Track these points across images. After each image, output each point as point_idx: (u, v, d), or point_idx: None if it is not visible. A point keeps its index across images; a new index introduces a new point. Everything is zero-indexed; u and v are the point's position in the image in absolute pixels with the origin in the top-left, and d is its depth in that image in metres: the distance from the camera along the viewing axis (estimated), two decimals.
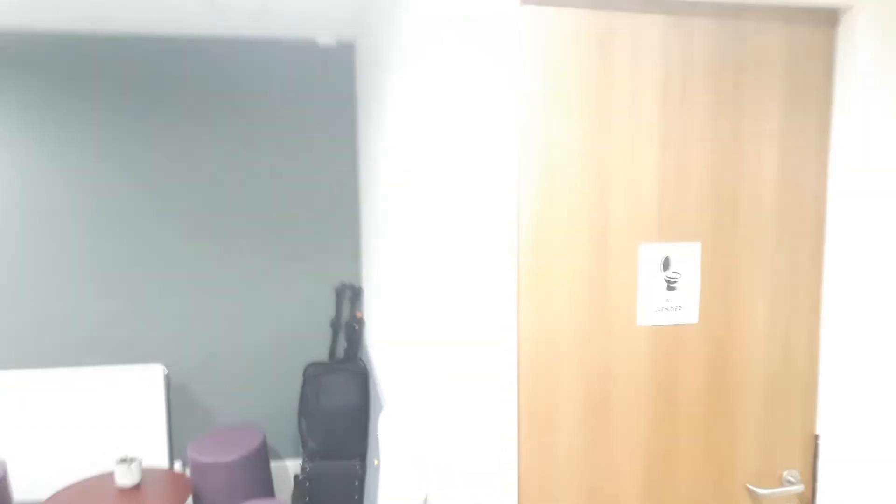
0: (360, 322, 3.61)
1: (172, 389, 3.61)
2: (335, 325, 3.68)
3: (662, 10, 1.37)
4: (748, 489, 1.52)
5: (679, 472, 1.49)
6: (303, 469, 3.17)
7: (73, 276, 3.45)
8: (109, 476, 3.16)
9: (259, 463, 3.30)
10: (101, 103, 3.36)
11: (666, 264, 1.46)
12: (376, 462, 2.58)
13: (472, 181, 1.30)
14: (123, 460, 3.03)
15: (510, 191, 1.32)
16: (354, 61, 3.55)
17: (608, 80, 1.36)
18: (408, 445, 1.45)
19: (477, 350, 1.33)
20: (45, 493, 3.41)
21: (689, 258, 1.45)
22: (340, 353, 3.69)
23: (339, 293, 3.70)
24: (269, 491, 3.37)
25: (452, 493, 1.35)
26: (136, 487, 3.04)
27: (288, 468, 3.75)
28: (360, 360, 3.47)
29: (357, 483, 3.05)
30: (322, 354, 3.74)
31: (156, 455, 3.49)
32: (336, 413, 3.15)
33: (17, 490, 3.39)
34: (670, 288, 1.46)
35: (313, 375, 3.26)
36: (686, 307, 1.46)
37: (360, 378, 3.21)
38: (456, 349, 1.33)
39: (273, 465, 3.72)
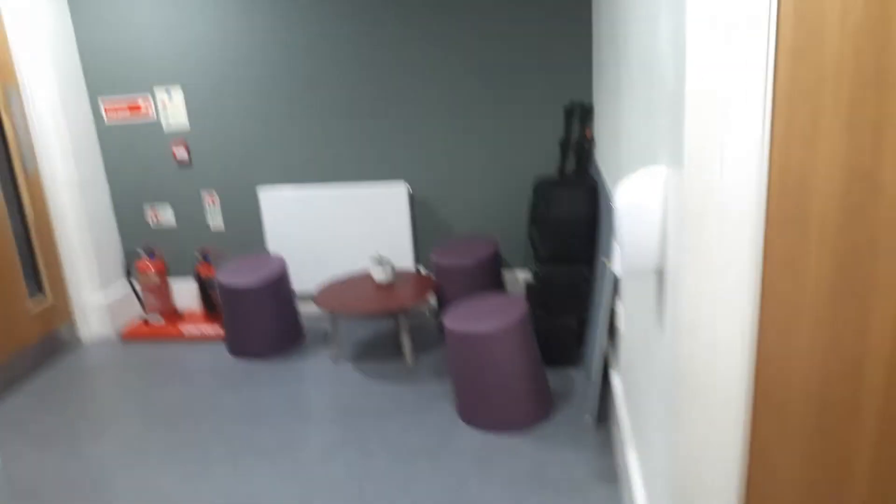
0: (590, 141, 3.53)
1: (416, 204, 3.93)
2: (564, 143, 3.65)
3: None
4: None
5: None
6: (534, 273, 3.33)
7: (334, 108, 3.81)
8: (367, 275, 3.61)
9: (492, 268, 3.53)
10: None
11: None
12: (606, 261, 2.61)
13: None
14: (378, 260, 3.42)
15: None
16: None
17: None
18: (643, 212, 1.43)
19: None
20: (315, 286, 4.02)
21: None
22: (569, 171, 3.69)
23: (569, 112, 3.63)
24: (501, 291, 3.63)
25: (687, 265, 1.31)
26: (389, 283, 3.45)
27: (518, 277, 3.97)
28: (591, 176, 3.44)
29: (585, 285, 3.14)
30: (551, 172, 3.77)
31: (403, 260, 3.90)
32: (565, 222, 3.21)
33: (294, 282, 4.04)
34: None
35: (544, 188, 3.32)
36: None
37: (590, 192, 3.20)
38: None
39: (504, 273, 3.96)
